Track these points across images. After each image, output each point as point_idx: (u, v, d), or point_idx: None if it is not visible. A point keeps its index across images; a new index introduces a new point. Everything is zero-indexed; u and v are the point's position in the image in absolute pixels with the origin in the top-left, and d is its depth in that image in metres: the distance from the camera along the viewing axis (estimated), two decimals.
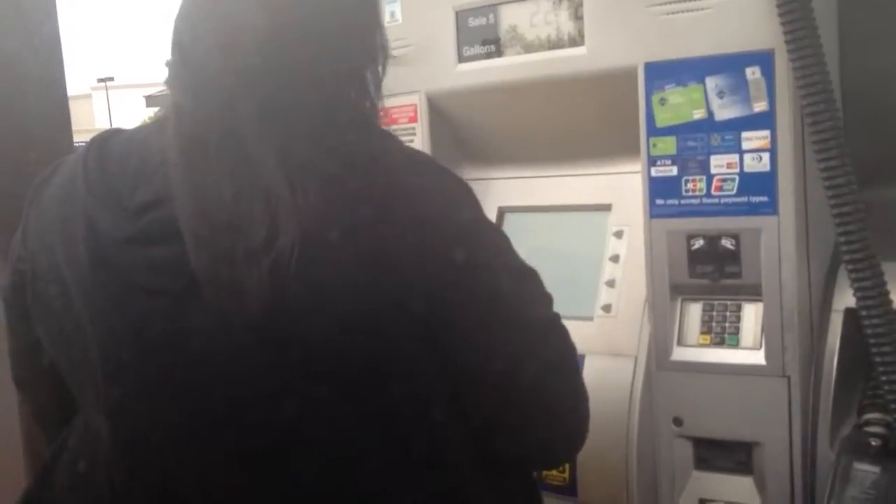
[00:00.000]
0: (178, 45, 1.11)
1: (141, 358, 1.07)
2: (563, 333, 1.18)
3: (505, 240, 1.16)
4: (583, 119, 1.75)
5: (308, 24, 1.08)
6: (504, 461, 1.16)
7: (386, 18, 1.93)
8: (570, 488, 1.70)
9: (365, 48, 1.17)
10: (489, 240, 1.13)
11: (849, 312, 1.52)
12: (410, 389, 1.06)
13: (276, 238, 0.98)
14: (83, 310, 1.10)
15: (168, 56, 1.12)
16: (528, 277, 1.16)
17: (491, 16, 1.78)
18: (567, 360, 1.19)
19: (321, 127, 1.06)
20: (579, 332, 1.66)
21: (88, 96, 45.33)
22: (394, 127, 1.95)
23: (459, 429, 1.10)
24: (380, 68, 1.19)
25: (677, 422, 1.63)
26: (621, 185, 1.73)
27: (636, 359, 1.66)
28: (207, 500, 1.08)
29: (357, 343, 1.02)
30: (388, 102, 1.95)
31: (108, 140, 1.16)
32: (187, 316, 1.04)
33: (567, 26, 1.68)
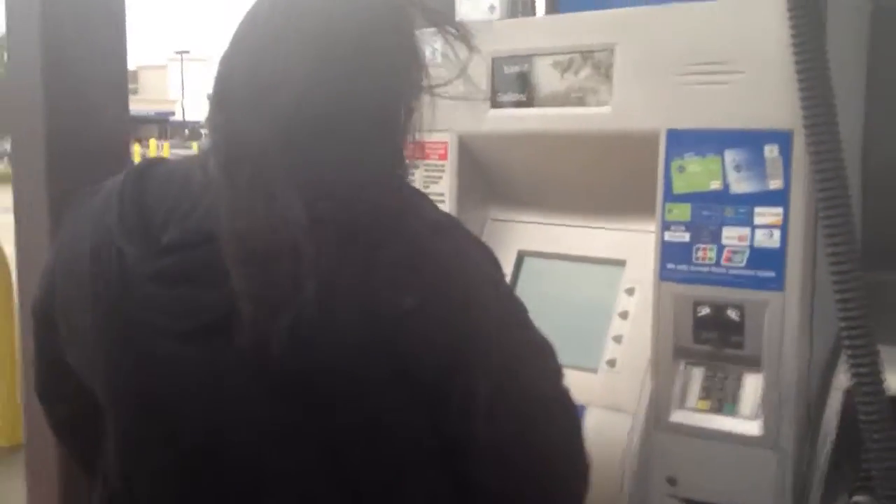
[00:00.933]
0: (219, 85, 1.13)
1: (147, 394, 1.12)
2: (570, 408, 1.21)
3: (522, 311, 1.18)
4: (605, 175, 1.79)
5: (345, 77, 1.10)
6: None
7: (427, 55, 1.98)
8: None
9: (400, 99, 1.18)
10: (506, 314, 1.14)
11: (849, 393, 1.54)
12: (405, 455, 1.09)
13: (297, 293, 1.00)
14: (103, 341, 1.15)
15: (211, 92, 1.17)
16: (541, 352, 1.18)
17: (525, 65, 1.82)
18: (571, 434, 1.21)
19: (350, 180, 1.08)
20: (583, 384, 1.71)
21: (164, 67, 46.10)
22: (425, 162, 2.00)
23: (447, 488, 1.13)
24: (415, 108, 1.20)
25: (671, 481, 1.66)
26: (637, 243, 1.75)
27: (635, 415, 1.69)
28: None
29: (359, 405, 1.05)
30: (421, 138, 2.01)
31: (148, 171, 1.18)
32: (198, 359, 1.08)
33: (596, 85, 1.72)
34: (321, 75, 1.09)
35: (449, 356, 1.05)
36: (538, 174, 1.91)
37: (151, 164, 1.21)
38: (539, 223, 1.95)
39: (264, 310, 1.01)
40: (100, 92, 2.90)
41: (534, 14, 2.11)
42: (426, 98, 1.23)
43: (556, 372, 1.20)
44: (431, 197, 1.97)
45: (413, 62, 1.20)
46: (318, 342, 1.02)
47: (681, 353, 1.66)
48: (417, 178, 2.02)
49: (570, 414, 1.21)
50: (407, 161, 1.22)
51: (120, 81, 2.97)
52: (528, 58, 1.81)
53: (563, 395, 1.20)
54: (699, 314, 1.62)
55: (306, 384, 1.04)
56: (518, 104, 1.83)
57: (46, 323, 1.25)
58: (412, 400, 1.06)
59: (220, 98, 1.13)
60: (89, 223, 1.18)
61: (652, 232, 1.69)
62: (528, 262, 1.94)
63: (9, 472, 3.55)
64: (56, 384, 1.33)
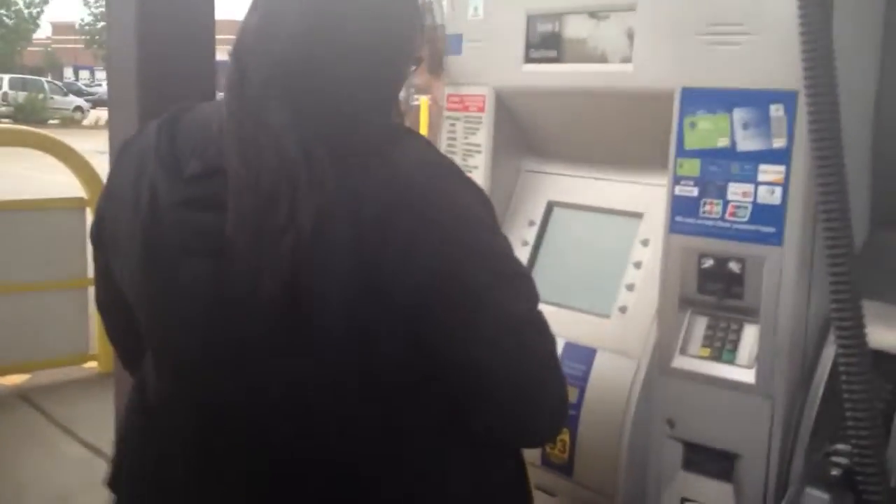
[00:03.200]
0: (237, 36, 1.28)
1: (176, 308, 1.28)
2: (543, 330, 1.31)
3: (502, 244, 1.28)
4: (628, 130, 1.86)
5: (338, 23, 1.22)
6: (483, 439, 1.30)
7: (469, 12, 2.09)
8: (567, 467, 1.85)
9: (398, 47, 1.29)
10: (484, 243, 1.25)
11: None
12: (392, 372, 1.22)
13: (294, 218, 1.14)
14: (137, 257, 1.31)
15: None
16: (517, 279, 1.29)
17: (557, 24, 1.91)
18: (545, 357, 1.32)
19: (347, 118, 1.21)
20: (595, 327, 1.82)
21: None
22: (464, 114, 2.11)
23: (439, 406, 1.26)
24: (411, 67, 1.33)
25: (670, 423, 1.76)
26: (654, 196, 1.83)
27: (640, 360, 1.79)
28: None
29: (350, 323, 1.18)
30: (462, 90, 2.13)
31: (180, 115, 1.34)
32: (220, 278, 1.22)
33: (620, 44, 1.80)
34: (315, 21, 1.21)
35: (425, 278, 1.16)
36: (567, 128, 2.00)
37: (184, 108, 1.37)
38: (567, 175, 2.04)
39: (263, 238, 1.16)
40: (188, 42, 3.07)
41: None
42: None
43: (531, 296, 1.30)
44: (469, 147, 2.10)
45: (413, 14, 1.31)
46: (313, 265, 1.15)
47: (686, 302, 1.74)
48: (458, 129, 2.13)
49: (543, 338, 1.30)
50: (402, 106, 1.34)
51: (208, 26, 3.13)
52: (558, 16, 1.90)
53: (537, 320, 1.30)
54: (703, 265, 1.70)
55: (302, 304, 1.17)
56: (549, 60, 1.92)
57: (100, 245, 1.43)
58: (397, 321, 1.18)
59: (235, 47, 1.27)
60: (134, 157, 1.35)
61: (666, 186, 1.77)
62: (556, 212, 2.04)
63: (107, 395, 3.85)
64: (109, 297, 1.49)
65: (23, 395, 4.90)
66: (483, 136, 2.08)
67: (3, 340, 4.85)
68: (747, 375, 1.67)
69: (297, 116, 1.19)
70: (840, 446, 1.56)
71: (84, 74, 42.69)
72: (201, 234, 1.24)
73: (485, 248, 1.25)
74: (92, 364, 5.38)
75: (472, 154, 2.10)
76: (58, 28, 46.08)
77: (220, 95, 1.44)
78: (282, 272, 1.14)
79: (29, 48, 38.77)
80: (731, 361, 1.69)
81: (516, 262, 1.31)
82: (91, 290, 5.22)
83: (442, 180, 1.24)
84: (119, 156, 1.41)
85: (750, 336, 1.68)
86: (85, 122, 31.86)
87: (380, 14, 1.27)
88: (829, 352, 1.63)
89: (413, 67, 1.35)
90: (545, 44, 1.93)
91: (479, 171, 2.09)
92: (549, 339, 1.32)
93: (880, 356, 1.54)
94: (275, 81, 1.20)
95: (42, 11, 34.75)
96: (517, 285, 1.28)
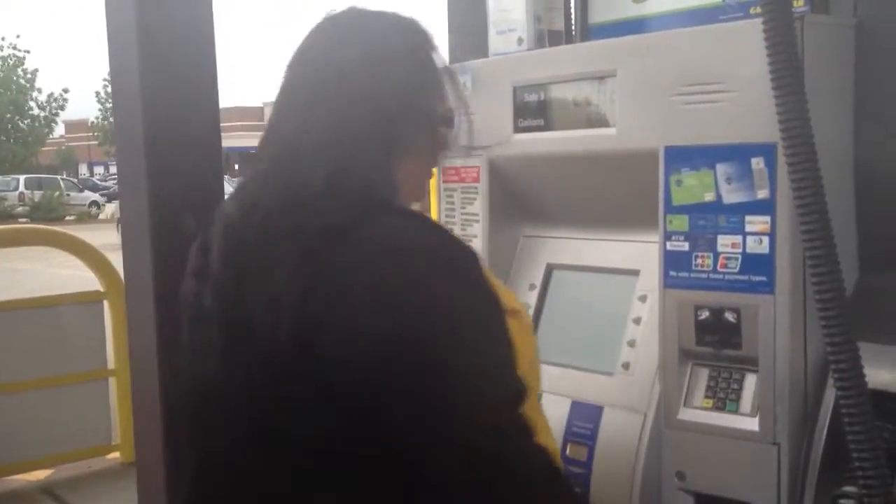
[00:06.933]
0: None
1: (197, 366, 1.33)
2: (503, 434, 1.14)
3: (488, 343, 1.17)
4: (616, 190, 1.92)
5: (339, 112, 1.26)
6: None
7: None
8: None
9: (406, 131, 1.30)
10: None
11: None
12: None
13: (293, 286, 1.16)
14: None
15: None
16: (474, 388, 1.14)
17: (542, 93, 1.98)
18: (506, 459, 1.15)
19: (343, 206, 1.20)
20: (600, 385, 1.86)
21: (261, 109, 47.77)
22: (461, 185, 2.18)
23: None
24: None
25: (680, 476, 1.77)
26: (649, 253, 1.87)
27: (646, 415, 1.81)
28: None
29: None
30: (457, 163, 2.19)
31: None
32: (200, 343, 1.29)
33: (602, 108, 1.86)
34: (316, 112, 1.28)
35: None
36: (561, 192, 2.06)
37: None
38: (565, 238, 2.09)
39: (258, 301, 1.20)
40: (194, 132, 3.15)
41: (564, 44, 2.25)
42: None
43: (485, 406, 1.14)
44: (467, 217, 2.15)
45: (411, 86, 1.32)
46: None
47: (686, 354, 1.77)
48: (456, 200, 2.19)
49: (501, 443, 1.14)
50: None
51: (213, 118, 3.21)
52: (543, 86, 1.97)
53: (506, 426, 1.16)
54: (700, 318, 1.73)
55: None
56: (537, 129, 1.99)
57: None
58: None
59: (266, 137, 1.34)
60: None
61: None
62: (556, 274, 2.09)
63: (131, 485, 3.86)
64: None
65: (47, 490, 4.90)
66: (480, 206, 2.14)
67: (26, 436, 4.87)
68: (751, 423, 1.69)
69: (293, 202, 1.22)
70: (848, 488, 1.58)
71: (99, 170, 43.43)
72: (193, 299, 1.31)
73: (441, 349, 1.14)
74: (115, 455, 5.39)
75: (471, 223, 2.16)
76: (71, 126, 47.03)
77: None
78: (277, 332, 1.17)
79: (43, 148, 39.55)
80: (735, 411, 1.72)
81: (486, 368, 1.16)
82: (111, 381, 5.29)
83: (425, 282, 1.16)
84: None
85: (751, 384, 1.71)
86: (101, 217, 32.29)
87: (371, 81, 1.28)
88: (830, 394, 1.65)
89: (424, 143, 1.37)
90: (532, 113, 2.00)
91: (478, 239, 2.15)
92: (512, 440, 1.15)
93: (881, 396, 1.56)
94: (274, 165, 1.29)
95: (58, 115, 35.38)
96: (474, 394, 1.14)
